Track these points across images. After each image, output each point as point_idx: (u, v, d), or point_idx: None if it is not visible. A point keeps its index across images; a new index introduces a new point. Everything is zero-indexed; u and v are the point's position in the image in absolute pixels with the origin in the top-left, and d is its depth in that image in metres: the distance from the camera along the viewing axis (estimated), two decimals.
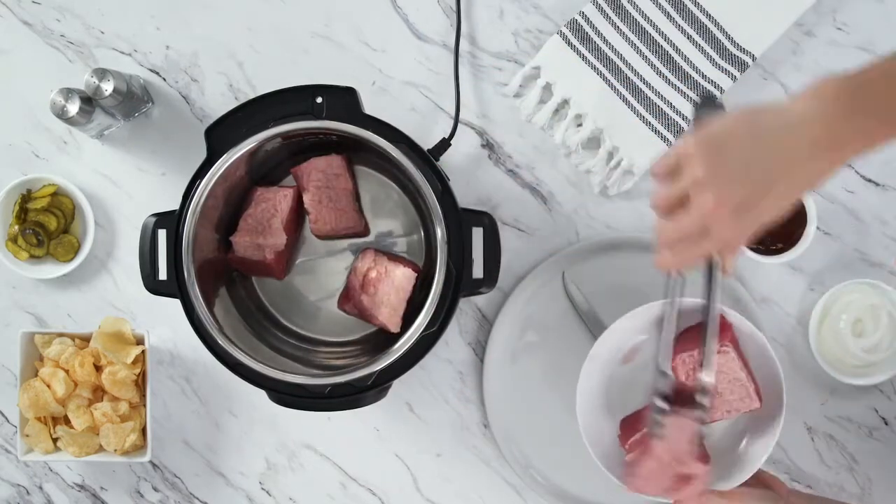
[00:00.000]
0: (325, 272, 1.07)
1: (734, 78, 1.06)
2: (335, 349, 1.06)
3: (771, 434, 0.96)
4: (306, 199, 1.02)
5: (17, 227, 1.08)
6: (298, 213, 1.05)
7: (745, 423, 1.00)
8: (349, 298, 1.02)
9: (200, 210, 0.94)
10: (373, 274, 1.01)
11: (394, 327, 0.99)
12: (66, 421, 1.05)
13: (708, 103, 0.76)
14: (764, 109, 0.71)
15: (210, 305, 0.95)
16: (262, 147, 0.95)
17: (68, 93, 1.00)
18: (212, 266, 0.99)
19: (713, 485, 0.91)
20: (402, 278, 1.00)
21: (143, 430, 1.06)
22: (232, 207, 1.03)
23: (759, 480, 0.92)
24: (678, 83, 1.07)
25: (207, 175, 0.93)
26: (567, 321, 1.09)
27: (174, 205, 0.95)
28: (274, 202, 1.02)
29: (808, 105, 0.68)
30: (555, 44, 1.07)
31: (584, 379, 0.97)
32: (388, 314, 1.00)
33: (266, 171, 1.05)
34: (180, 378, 1.11)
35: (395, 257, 1.03)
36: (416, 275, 1.00)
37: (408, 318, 1.00)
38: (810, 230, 1.02)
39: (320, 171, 1.02)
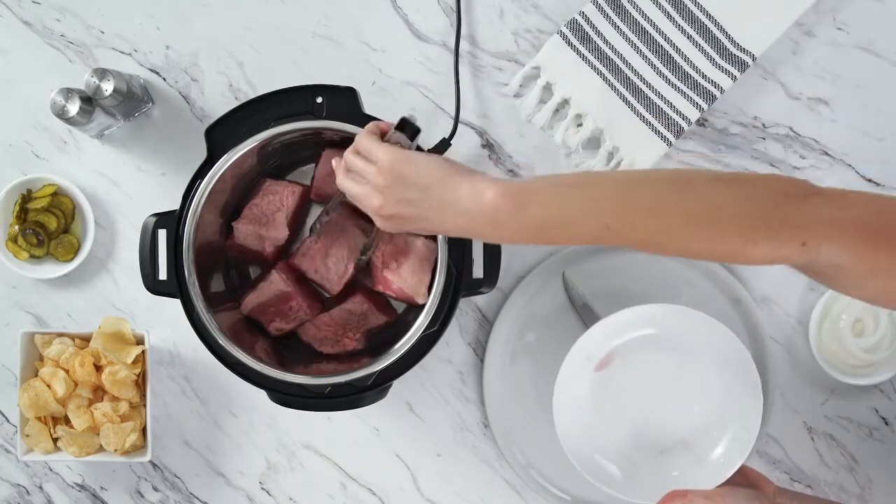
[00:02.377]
0: None
1: (734, 78, 1.06)
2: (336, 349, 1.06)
3: (750, 432, 0.95)
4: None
5: (17, 227, 1.08)
6: (303, 211, 1.05)
7: (726, 422, 0.99)
8: (372, 278, 1.02)
9: (201, 209, 0.94)
10: (392, 247, 1.00)
11: (421, 298, 0.98)
12: (67, 421, 1.05)
13: (409, 125, 0.87)
14: (461, 178, 0.79)
15: (210, 305, 0.95)
16: (272, 141, 0.95)
17: (68, 93, 1.00)
18: (211, 252, 0.99)
19: (696, 485, 0.91)
20: (423, 248, 0.99)
21: (143, 430, 1.06)
22: (239, 193, 1.03)
23: (745, 477, 0.92)
24: (678, 83, 1.07)
25: (207, 175, 0.94)
26: (567, 322, 1.09)
27: (174, 205, 0.95)
28: (281, 196, 1.02)
29: (486, 199, 0.76)
30: (555, 44, 1.07)
31: (562, 384, 0.97)
32: (415, 285, 0.99)
33: (276, 163, 1.05)
34: (180, 378, 1.11)
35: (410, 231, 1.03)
36: (435, 246, 0.97)
37: (412, 314, 1.00)
38: None
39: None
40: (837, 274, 0.72)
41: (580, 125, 1.08)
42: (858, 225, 0.71)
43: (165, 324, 1.09)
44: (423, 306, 0.94)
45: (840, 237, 0.70)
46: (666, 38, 1.07)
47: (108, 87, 1.01)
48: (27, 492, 1.11)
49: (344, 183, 0.86)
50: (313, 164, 1.05)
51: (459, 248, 0.94)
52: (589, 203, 0.75)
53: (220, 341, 0.94)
